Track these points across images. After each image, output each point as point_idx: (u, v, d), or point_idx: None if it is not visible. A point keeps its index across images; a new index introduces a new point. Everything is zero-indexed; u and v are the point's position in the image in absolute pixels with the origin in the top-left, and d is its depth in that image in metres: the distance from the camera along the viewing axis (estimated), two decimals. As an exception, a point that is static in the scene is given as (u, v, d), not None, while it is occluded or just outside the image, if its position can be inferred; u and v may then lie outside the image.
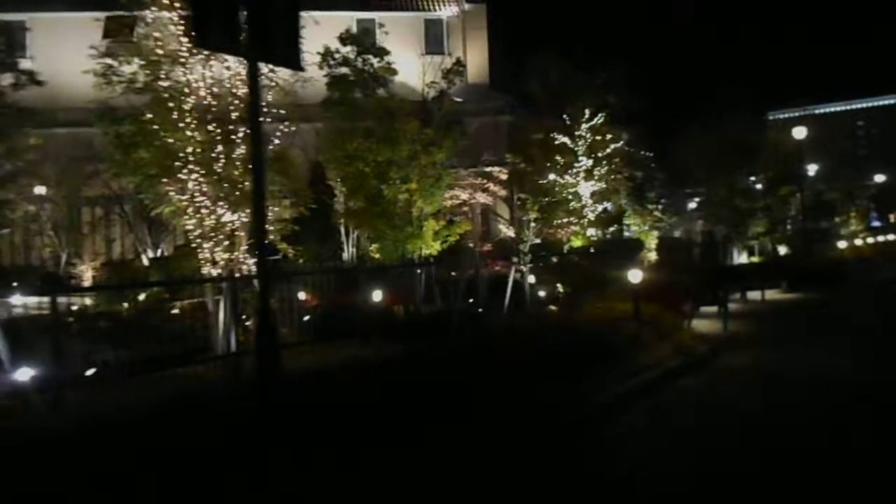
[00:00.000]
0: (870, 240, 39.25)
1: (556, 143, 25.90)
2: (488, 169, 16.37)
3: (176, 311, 12.64)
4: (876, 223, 76.70)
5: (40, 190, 20.97)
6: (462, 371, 9.51)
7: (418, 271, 16.26)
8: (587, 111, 25.48)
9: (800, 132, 23.50)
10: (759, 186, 26.47)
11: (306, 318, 14.66)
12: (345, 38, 18.00)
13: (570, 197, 25.21)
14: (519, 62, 29.83)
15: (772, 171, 25.64)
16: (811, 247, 27.61)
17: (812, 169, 36.31)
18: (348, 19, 37.34)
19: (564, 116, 26.37)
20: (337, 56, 17.68)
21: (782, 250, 29.32)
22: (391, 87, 18.19)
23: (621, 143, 25.96)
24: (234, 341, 11.60)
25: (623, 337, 11.04)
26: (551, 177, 25.99)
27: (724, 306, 15.20)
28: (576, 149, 25.62)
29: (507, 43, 30.17)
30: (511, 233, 31.54)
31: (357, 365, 9.85)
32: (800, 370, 10.55)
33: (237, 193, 12.10)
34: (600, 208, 24.93)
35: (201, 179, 11.72)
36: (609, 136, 25.96)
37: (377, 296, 16.78)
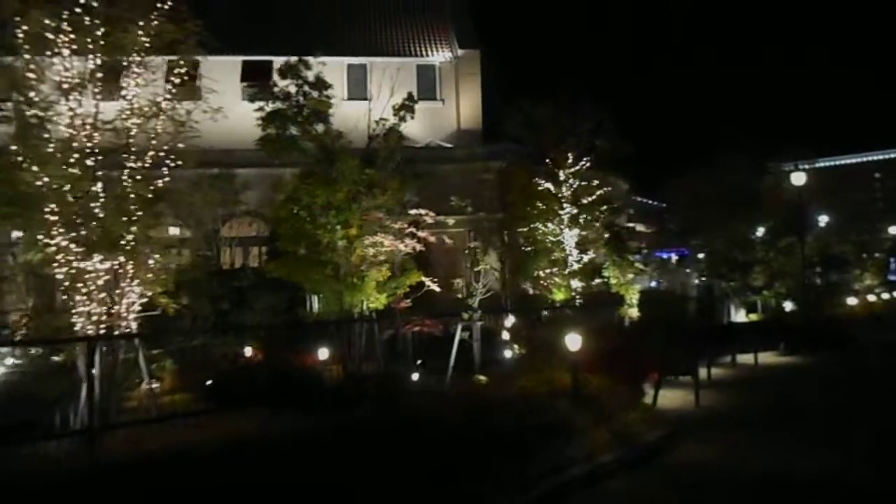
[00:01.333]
0: (885, 295, 36.27)
1: (540, 188, 23.95)
2: (418, 212, 14.16)
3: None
4: (894, 277, 73.15)
5: None
6: (334, 466, 7.38)
7: (357, 327, 14.16)
8: (570, 155, 23.49)
9: (798, 178, 21.21)
10: (759, 237, 24.04)
11: (209, 382, 12.61)
12: (284, 71, 16.15)
13: (550, 245, 23.08)
14: (509, 108, 27.96)
15: (771, 221, 23.21)
16: (816, 303, 25.01)
17: (820, 220, 33.88)
18: (338, 64, 36.13)
19: (548, 161, 24.47)
20: (276, 90, 15.87)
21: (788, 306, 26.71)
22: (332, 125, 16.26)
23: (608, 189, 23.90)
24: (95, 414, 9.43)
25: (555, 418, 8.73)
26: (535, 225, 24.10)
27: (694, 376, 12.71)
28: (560, 195, 23.59)
29: (501, 89, 28.17)
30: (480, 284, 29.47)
31: (214, 453, 7.74)
32: (775, 471, 8.11)
33: (111, 239, 10.23)
34: (586, 258, 22.70)
35: (63, 220, 9.84)
36: (595, 182, 23.96)
37: (311, 355, 14.81)
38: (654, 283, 27.90)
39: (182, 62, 11.65)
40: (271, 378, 12.18)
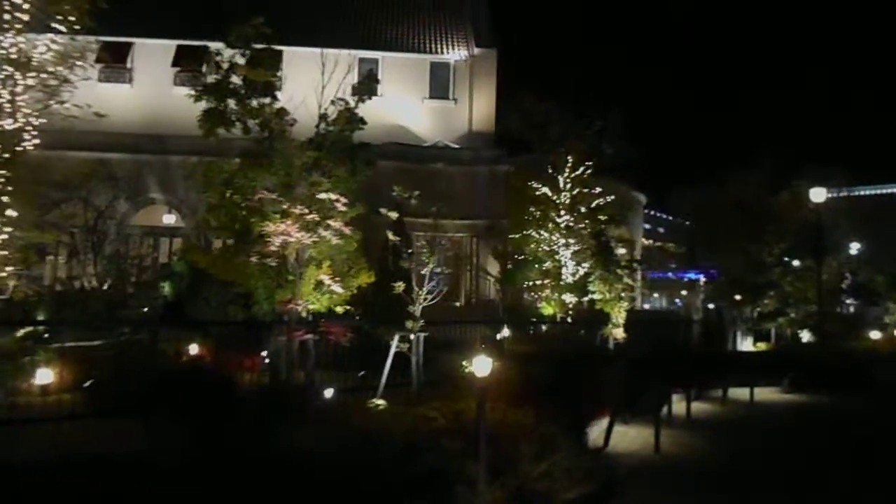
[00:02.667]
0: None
1: (538, 193, 21.73)
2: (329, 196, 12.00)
3: None
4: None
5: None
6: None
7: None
8: (570, 158, 21.22)
9: (817, 195, 18.56)
10: (773, 259, 21.32)
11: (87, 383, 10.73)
12: (232, 41, 14.16)
13: (542, 255, 20.83)
14: (519, 110, 25.88)
15: (785, 242, 20.51)
16: (835, 335, 22.23)
17: (851, 247, 30.95)
18: (348, 58, 34.25)
19: (548, 165, 22.28)
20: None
21: (805, 337, 23.95)
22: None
23: (610, 197, 21.56)
24: None
25: (439, 465, 6.59)
26: (529, 232, 21.91)
27: (655, 415, 10.31)
28: (558, 201, 21.34)
29: (516, 91, 26.10)
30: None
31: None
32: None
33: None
34: (581, 271, 20.33)
35: None
36: (598, 190, 21.64)
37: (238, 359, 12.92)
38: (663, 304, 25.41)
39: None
40: (162, 383, 10.27)
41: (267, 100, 13.34)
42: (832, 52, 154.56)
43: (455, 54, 34.46)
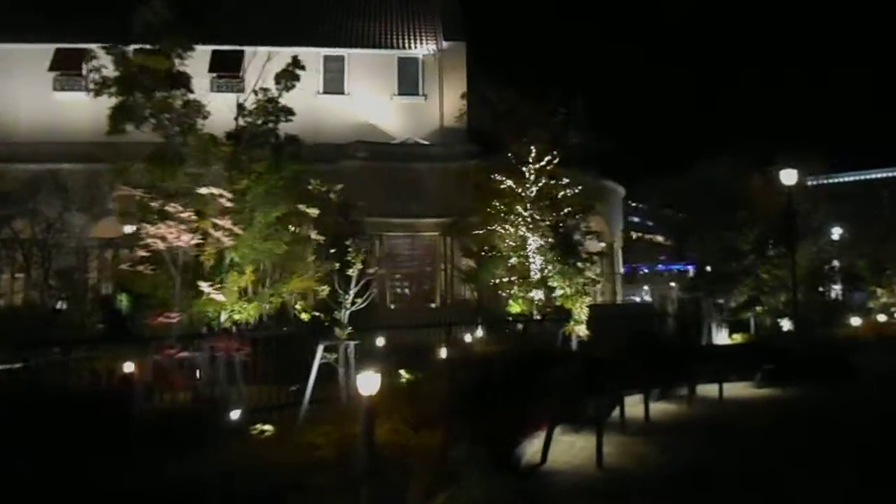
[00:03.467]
0: (897, 315, 31.63)
1: (503, 186, 20.44)
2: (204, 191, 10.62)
3: None
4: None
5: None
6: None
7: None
8: (533, 148, 19.95)
9: (789, 176, 17.26)
10: (747, 246, 20.02)
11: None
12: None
13: (506, 251, 19.57)
14: (487, 102, 24.52)
15: (759, 228, 19.21)
16: (814, 322, 20.98)
17: (833, 232, 29.73)
18: (314, 55, 33.01)
19: (510, 155, 21.00)
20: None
21: (786, 326, 22.70)
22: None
23: (578, 188, 20.27)
24: None
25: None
26: (494, 227, 20.61)
27: (598, 425, 9.03)
28: (522, 193, 20.06)
29: (486, 84, 24.75)
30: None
31: None
32: None
33: None
34: (549, 266, 19.03)
35: None
36: (566, 181, 20.36)
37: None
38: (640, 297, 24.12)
39: None
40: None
41: (178, 92, 12.08)
42: (809, 37, 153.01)
43: (423, 49, 33.18)
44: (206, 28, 31.40)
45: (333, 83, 32.34)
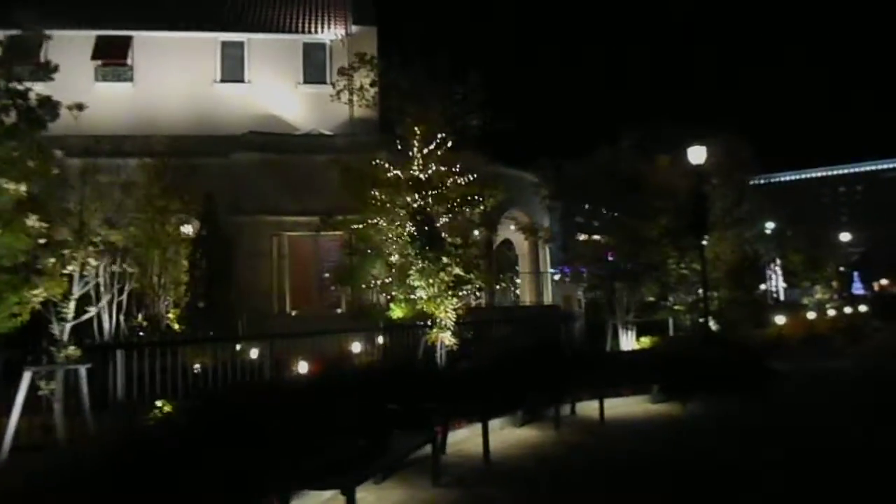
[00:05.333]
0: (832, 312, 29.45)
1: (388, 175, 17.49)
2: None
3: None
4: (859, 291, 66.89)
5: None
6: None
7: None
8: (417, 130, 17.06)
9: (697, 155, 14.65)
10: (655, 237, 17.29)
11: None
12: None
13: (386, 247, 16.59)
14: (394, 88, 21.58)
15: (668, 216, 16.49)
16: (734, 322, 18.44)
17: (759, 225, 27.44)
18: (212, 41, 29.74)
19: (395, 140, 18.13)
20: None
21: (713, 326, 20.09)
22: None
23: (473, 175, 17.44)
24: None
25: None
26: (374, 220, 17.64)
27: (360, 480, 5.94)
28: (411, 182, 17.11)
29: (398, 72, 21.75)
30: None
31: None
32: None
33: None
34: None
35: None
36: (457, 167, 17.53)
37: None
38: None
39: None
40: None
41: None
42: (724, 21, 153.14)
43: (331, 34, 30.05)
44: (87, 11, 28.12)
45: (232, 71, 29.07)
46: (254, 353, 13.17)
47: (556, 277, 27.48)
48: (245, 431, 5.59)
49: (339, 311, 26.78)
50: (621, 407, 11.71)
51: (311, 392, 7.19)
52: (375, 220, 17.18)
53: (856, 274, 67.80)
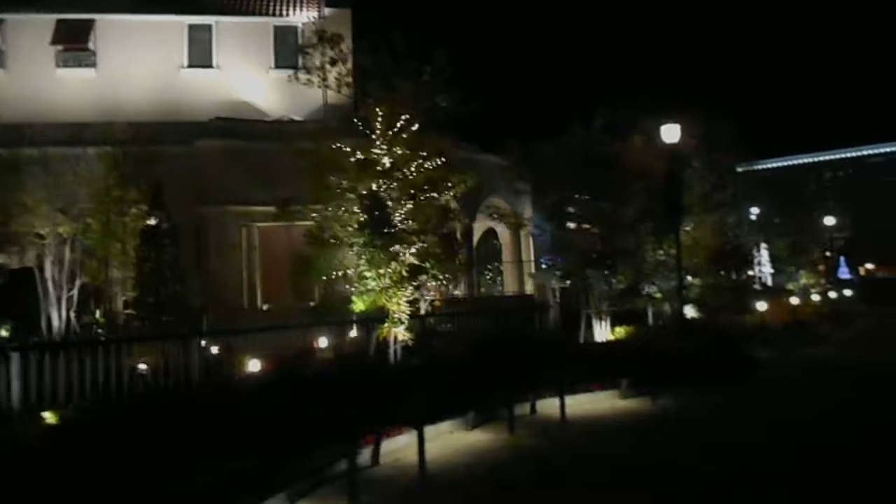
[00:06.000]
0: (816, 297, 28.57)
1: (352, 160, 16.37)
2: None
3: None
4: (846, 275, 66.21)
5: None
6: None
7: None
8: (379, 111, 15.95)
9: (670, 133, 13.70)
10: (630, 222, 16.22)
11: None
12: None
13: (346, 237, 15.48)
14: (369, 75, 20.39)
15: (641, 199, 15.42)
16: (715, 308, 17.50)
17: (743, 210, 26.52)
18: (178, 25, 28.46)
19: (356, 121, 17.00)
20: None
21: (690, 313, 19.18)
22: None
23: (441, 160, 16.35)
24: None
25: None
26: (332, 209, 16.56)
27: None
28: (377, 168, 16.01)
29: (370, 56, 20.51)
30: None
31: None
32: None
33: None
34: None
35: None
36: (424, 152, 16.43)
37: None
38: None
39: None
40: None
41: None
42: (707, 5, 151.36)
43: (302, 16, 28.79)
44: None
45: (200, 56, 27.74)
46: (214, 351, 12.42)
47: (544, 267, 26.38)
48: (99, 462, 4.57)
49: (312, 304, 25.72)
50: (587, 404, 10.72)
51: (217, 401, 6.16)
52: (329, 208, 16.09)
53: (842, 259, 67.13)
